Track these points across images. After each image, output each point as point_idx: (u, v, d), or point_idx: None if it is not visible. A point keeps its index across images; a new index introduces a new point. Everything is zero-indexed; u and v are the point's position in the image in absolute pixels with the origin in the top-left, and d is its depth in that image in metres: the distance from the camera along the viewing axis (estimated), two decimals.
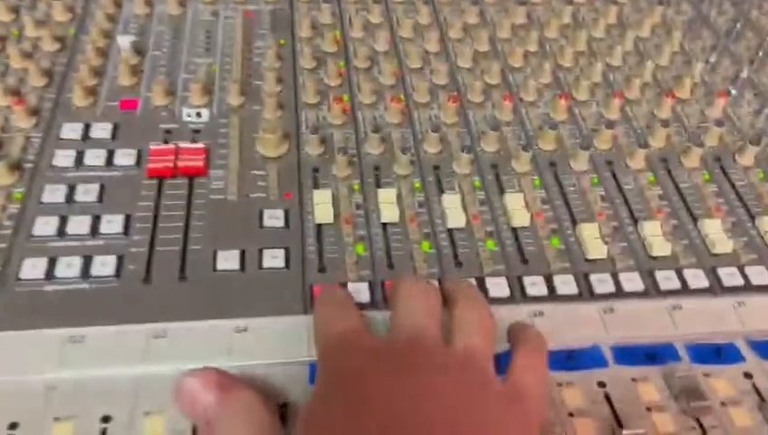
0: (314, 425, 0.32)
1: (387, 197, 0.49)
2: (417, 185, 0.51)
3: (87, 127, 0.52)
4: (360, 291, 0.44)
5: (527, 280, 0.45)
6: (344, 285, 0.44)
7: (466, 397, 0.33)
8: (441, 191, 0.51)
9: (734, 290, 0.46)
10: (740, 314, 0.45)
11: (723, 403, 0.40)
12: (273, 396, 0.38)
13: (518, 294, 0.45)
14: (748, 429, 0.39)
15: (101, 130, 0.52)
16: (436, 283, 0.43)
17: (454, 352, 0.35)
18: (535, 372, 0.37)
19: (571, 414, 0.38)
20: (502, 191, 0.51)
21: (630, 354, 0.42)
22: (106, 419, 0.36)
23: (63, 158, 0.49)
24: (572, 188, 0.52)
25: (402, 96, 0.58)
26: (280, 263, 0.45)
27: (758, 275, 0.47)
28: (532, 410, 0.35)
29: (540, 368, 0.37)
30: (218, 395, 0.33)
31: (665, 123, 0.56)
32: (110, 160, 0.50)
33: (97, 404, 0.37)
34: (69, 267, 0.43)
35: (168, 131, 0.53)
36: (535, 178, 0.53)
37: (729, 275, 0.47)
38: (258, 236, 0.46)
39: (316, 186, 0.50)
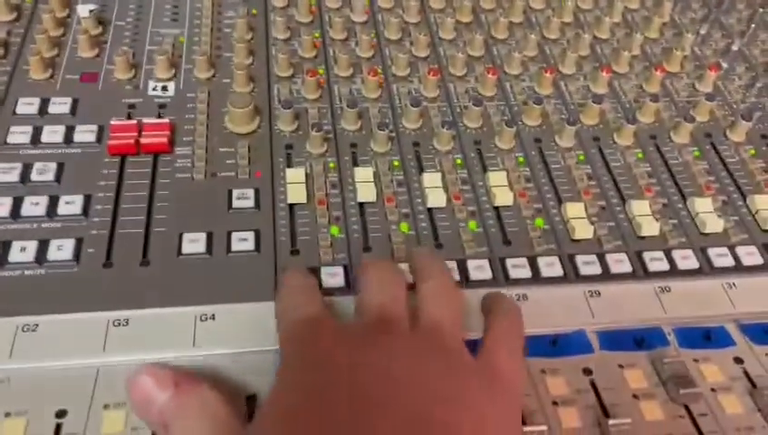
0: (279, 412, 0.30)
1: (364, 175, 0.47)
2: (396, 163, 0.49)
3: (45, 102, 0.49)
4: (336, 275, 0.41)
5: (510, 262, 0.43)
6: (316, 270, 0.41)
7: (435, 369, 0.31)
8: (421, 169, 0.48)
9: (724, 271, 0.45)
10: (731, 296, 0.43)
11: (713, 389, 0.38)
12: (239, 388, 0.36)
13: (501, 276, 0.43)
14: (739, 416, 0.37)
15: (60, 105, 0.49)
16: (403, 265, 0.41)
17: (419, 326, 0.34)
18: (510, 348, 0.35)
19: (554, 403, 0.37)
20: (484, 169, 0.49)
21: (617, 339, 0.40)
22: (61, 413, 0.34)
23: (19, 135, 0.46)
24: (558, 166, 0.50)
25: (380, 69, 0.55)
26: (249, 246, 0.42)
27: (749, 255, 0.46)
28: (510, 390, 0.33)
29: (516, 344, 0.36)
30: (173, 394, 0.31)
31: (654, 98, 0.53)
32: (69, 137, 0.47)
33: (51, 398, 0.34)
34: (23, 252, 0.40)
35: (131, 106, 0.50)
36: (519, 155, 0.50)
37: (719, 256, 0.45)
38: (226, 218, 0.44)
39: (289, 164, 0.48)
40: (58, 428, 0.33)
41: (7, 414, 0.33)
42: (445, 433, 0.29)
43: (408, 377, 0.30)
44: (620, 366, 0.39)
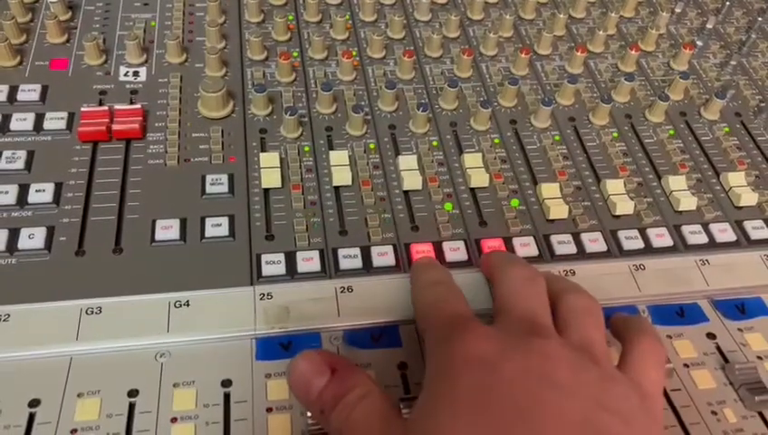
0: (443, 412, 0.29)
1: (339, 159, 0.46)
2: (372, 146, 0.49)
3: (13, 89, 0.48)
4: (312, 259, 0.41)
5: (486, 244, 0.43)
6: (293, 254, 0.41)
7: (595, 378, 0.30)
8: (397, 152, 0.48)
9: (698, 248, 0.45)
10: (704, 273, 0.43)
11: (686, 365, 0.39)
12: (214, 373, 0.35)
13: (476, 258, 0.43)
14: (711, 391, 0.38)
15: (29, 93, 0.48)
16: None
17: (571, 345, 0.32)
18: (658, 367, 0.34)
19: None
20: (460, 151, 0.49)
21: None
22: (34, 402, 0.34)
23: None
24: (533, 147, 0.50)
25: (355, 51, 0.55)
26: (224, 232, 0.42)
27: (722, 232, 0.46)
28: (657, 410, 0.33)
29: (661, 363, 0.34)
30: (330, 380, 0.32)
31: (629, 77, 0.54)
32: (38, 125, 0.46)
33: (24, 388, 0.34)
34: None
35: (102, 92, 0.49)
36: (495, 136, 0.50)
37: (693, 233, 0.46)
38: (200, 204, 0.43)
39: (263, 148, 0.47)
40: (31, 417, 0.33)
41: None
42: None
43: (572, 383, 0.29)
44: None
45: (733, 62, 0.59)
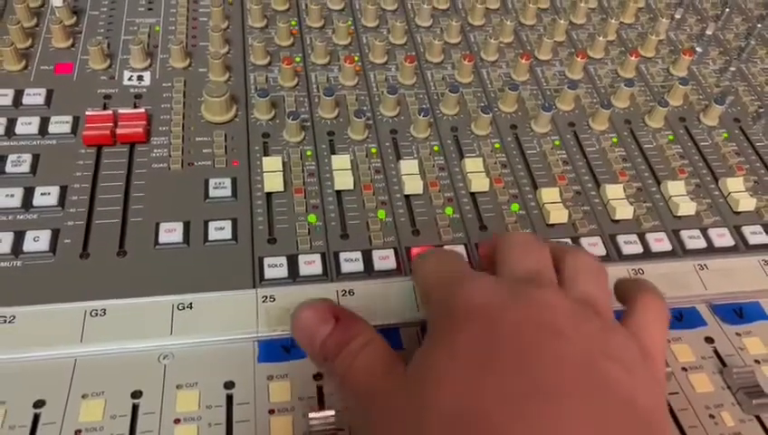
0: (442, 360, 0.29)
1: (341, 163, 0.47)
2: (374, 150, 0.49)
3: (18, 93, 0.48)
4: (314, 262, 0.42)
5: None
6: (295, 257, 0.42)
7: (597, 328, 0.30)
8: (398, 157, 0.49)
9: (696, 253, 0.46)
10: (702, 278, 0.44)
11: (684, 369, 0.39)
12: (217, 375, 0.36)
13: (477, 261, 0.43)
14: (709, 394, 0.38)
15: (35, 96, 0.48)
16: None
17: (573, 297, 0.32)
18: (660, 325, 0.34)
19: None
20: (461, 156, 0.49)
21: None
22: (39, 403, 0.34)
23: None
24: (533, 152, 0.50)
25: (357, 57, 0.55)
26: (227, 235, 0.42)
27: (720, 236, 0.46)
28: (659, 371, 0.32)
29: (663, 320, 0.34)
30: (334, 327, 0.33)
31: (629, 83, 0.54)
32: (43, 129, 0.46)
33: (29, 389, 0.34)
34: None
35: (107, 96, 0.50)
36: (495, 141, 0.51)
37: (692, 238, 0.46)
38: (203, 208, 0.44)
39: (266, 152, 0.48)
40: (36, 418, 0.34)
41: None
42: (614, 388, 0.27)
43: (572, 331, 0.29)
44: None
45: (732, 69, 0.60)
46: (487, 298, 0.30)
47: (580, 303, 0.31)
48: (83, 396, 0.35)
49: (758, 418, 0.37)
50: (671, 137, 0.53)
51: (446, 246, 0.44)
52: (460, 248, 0.44)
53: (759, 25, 0.64)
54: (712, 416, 0.37)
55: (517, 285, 0.32)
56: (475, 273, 0.34)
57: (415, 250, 0.43)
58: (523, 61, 0.55)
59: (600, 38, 0.58)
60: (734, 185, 0.49)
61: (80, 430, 0.33)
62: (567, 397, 0.26)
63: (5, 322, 0.37)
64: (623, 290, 0.36)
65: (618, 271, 0.43)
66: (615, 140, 0.52)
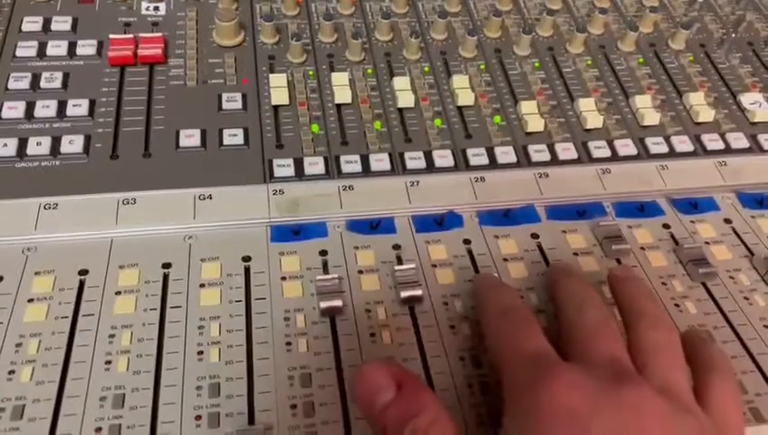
0: None
1: (340, 79, 0.52)
2: (370, 71, 0.54)
3: (47, 21, 0.53)
4: (317, 164, 0.47)
5: (470, 151, 0.49)
6: (300, 160, 0.47)
7: (688, 432, 0.29)
8: (392, 75, 0.54)
9: (659, 156, 0.51)
10: (663, 176, 0.49)
11: (642, 248, 0.45)
12: (235, 251, 0.41)
13: (462, 163, 0.48)
14: (663, 267, 0.44)
15: (62, 23, 0.53)
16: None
17: (657, 387, 0.31)
18: (735, 398, 0.33)
19: (504, 259, 0.43)
20: (449, 75, 0.54)
21: (562, 212, 0.46)
22: (83, 272, 0.40)
23: (27, 48, 0.51)
24: (515, 72, 0.55)
25: None
26: (239, 140, 0.48)
27: (681, 143, 0.52)
28: None
29: (737, 393, 0.34)
30: (396, 396, 0.30)
31: (603, 11, 0.59)
32: (72, 51, 0.51)
33: (73, 260, 0.40)
34: (39, 146, 0.45)
35: (127, 24, 0.55)
36: (481, 63, 0.56)
37: (655, 144, 0.51)
38: (218, 118, 0.49)
39: (272, 71, 0.53)
40: (81, 284, 0.39)
41: (36, 273, 0.39)
42: None
43: None
44: (564, 232, 0.45)
45: (700, 0, 0.64)
46: (575, 401, 0.29)
47: (665, 393, 0.30)
48: (120, 266, 0.40)
49: (704, 284, 0.43)
50: (641, 60, 0.58)
51: (434, 152, 0.49)
52: (447, 153, 0.49)
53: None
54: (664, 283, 0.43)
55: (604, 384, 0.30)
56: (558, 363, 0.32)
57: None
58: None
59: None
60: (697, 99, 0.54)
61: (119, 292, 0.39)
62: None
63: (50, 208, 0.42)
64: (691, 356, 0.35)
65: (587, 171, 0.49)
66: (590, 62, 0.57)
